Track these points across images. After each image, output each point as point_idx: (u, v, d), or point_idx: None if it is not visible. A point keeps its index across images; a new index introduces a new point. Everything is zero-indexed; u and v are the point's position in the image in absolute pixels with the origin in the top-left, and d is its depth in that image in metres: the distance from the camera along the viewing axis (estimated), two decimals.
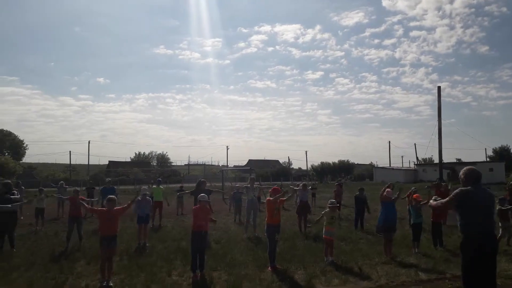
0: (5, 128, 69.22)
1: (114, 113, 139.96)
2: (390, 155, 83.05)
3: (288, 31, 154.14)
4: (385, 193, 8.80)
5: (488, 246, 4.48)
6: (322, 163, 79.71)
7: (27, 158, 73.34)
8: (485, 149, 71.78)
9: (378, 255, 8.53)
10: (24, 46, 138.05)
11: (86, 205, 8.31)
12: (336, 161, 79.19)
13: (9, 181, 11.16)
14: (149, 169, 75.77)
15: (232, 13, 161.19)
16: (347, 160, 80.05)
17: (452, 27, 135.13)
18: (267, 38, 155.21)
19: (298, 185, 14.46)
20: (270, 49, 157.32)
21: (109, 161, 79.43)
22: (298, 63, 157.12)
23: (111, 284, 6.46)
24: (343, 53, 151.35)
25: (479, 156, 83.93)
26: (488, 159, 64.78)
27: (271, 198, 7.92)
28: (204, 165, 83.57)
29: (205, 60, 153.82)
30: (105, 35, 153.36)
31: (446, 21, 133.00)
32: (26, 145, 70.65)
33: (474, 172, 4.69)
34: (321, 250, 8.54)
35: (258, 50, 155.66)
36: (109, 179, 20.48)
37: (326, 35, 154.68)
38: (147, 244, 9.92)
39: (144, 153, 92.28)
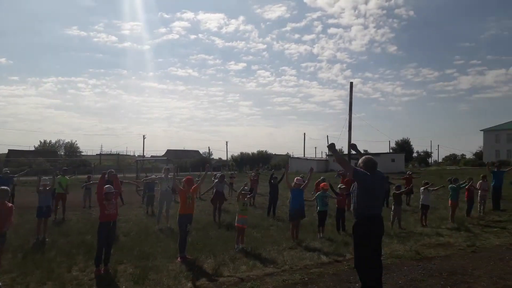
0: None
1: (18, 97, 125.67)
2: (305, 146, 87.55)
3: (212, 20, 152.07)
4: (295, 181, 9.28)
5: (377, 228, 4.99)
6: (241, 153, 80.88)
7: None
8: (389, 141, 78.99)
9: (286, 240, 8.92)
10: None
11: None
12: (255, 151, 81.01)
13: None
14: (56, 158, 69.84)
15: None
16: (266, 151, 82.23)
17: (366, 27, 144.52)
18: (189, 25, 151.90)
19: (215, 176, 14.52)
20: (192, 36, 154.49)
21: (8, 149, 71.57)
22: (221, 53, 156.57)
23: (0, 284, 5.85)
24: (265, 46, 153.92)
25: (384, 148, 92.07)
26: (391, 151, 71.26)
27: (183, 188, 7.80)
28: (118, 155, 79.56)
29: (122, 44, 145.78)
30: (9, 11, 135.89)
31: (361, 20, 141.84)
32: None
33: (371, 160, 5.14)
34: (233, 238, 8.66)
35: (180, 37, 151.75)
36: (6, 169, 18.54)
37: (249, 27, 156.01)
38: (46, 239, 9.19)
39: (50, 141, 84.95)
